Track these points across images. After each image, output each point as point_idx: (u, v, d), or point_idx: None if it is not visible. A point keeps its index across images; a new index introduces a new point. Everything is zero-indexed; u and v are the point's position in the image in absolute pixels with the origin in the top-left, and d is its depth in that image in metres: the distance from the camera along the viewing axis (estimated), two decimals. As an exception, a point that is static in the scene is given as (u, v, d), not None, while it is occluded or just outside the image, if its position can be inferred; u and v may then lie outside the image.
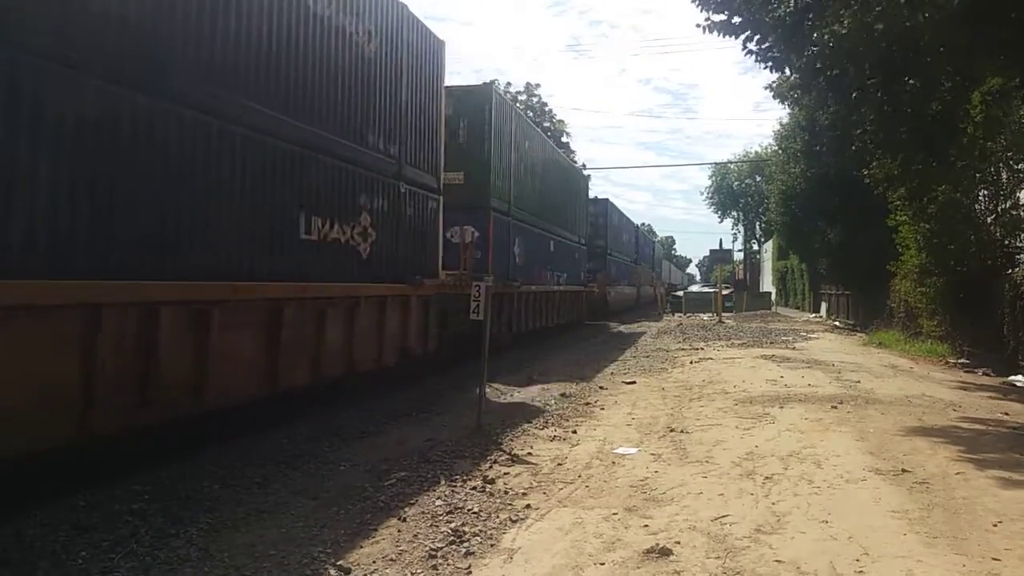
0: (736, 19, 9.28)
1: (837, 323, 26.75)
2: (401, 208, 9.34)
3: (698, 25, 9.59)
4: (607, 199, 30.63)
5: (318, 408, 7.84)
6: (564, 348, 16.91)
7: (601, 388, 10.40)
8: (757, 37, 9.35)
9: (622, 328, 24.82)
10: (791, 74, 10.31)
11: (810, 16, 8.77)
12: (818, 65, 9.26)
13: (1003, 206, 13.90)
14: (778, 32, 9.09)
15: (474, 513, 4.74)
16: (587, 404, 8.98)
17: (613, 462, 6.07)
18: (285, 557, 4.07)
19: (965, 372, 12.92)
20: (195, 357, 5.72)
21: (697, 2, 9.42)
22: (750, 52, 9.75)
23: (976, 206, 14.29)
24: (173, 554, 4.05)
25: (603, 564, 3.90)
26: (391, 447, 6.65)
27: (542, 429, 7.49)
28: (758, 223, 61.75)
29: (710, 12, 9.37)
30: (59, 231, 4.54)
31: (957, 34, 7.84)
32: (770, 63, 9.82)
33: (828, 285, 30.80)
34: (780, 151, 29.63)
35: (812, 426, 7.45)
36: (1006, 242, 13.70)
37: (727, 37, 9.41)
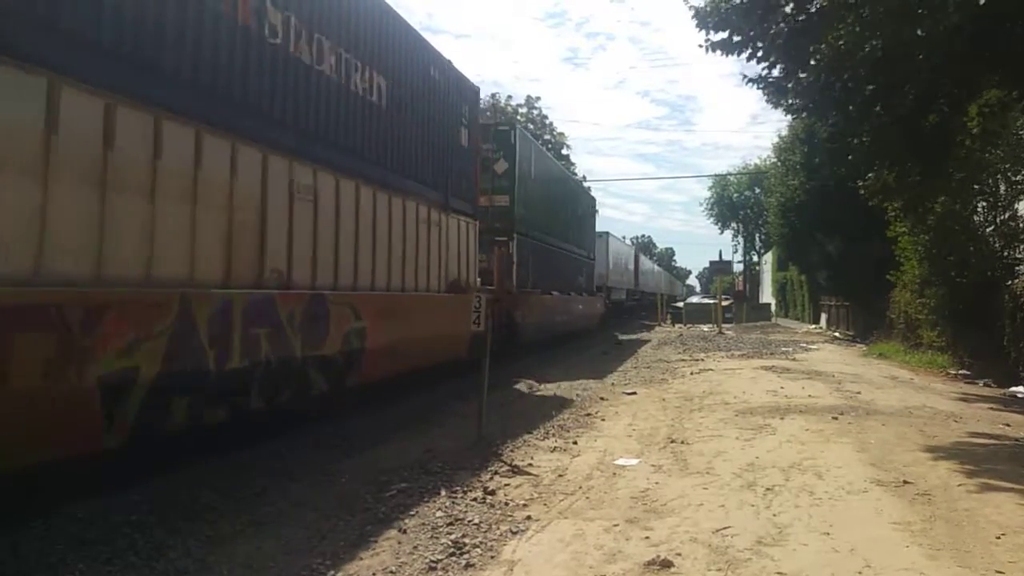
0: (736, 37, 9.37)
1: (837, 334, 26.73)
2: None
3: (699, 45, 9.69)
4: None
5: (316, 418, 7.82)
6: (564, 358, 16.89)
7: (602, 399, 10.38)
8: (759, 55, 9.42)
9: (622, 338, 24.79)
10: (791, 100, 10.37)
11: (808, 34, 8.83)
12: (820, 77, 9.30)
13: (1001, 217, 13.93)
14: (777, 44, 9.15)
15: (474, 524, 4.72)
16: (588, 415, 8.96)
17: (614, 473, 6.05)
18: (284, 569, 4.04)
19: (966, 383, 12.91)
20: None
21: (697, 21, 9.51)
22: (751, 81, 9.93)
23: (975, 217, 14.31)
24: (171, 566, 4.03)
25: (604, 576, 3.87)
26: (391, 458, 6.62)
27: (543, 440, 7.47)
28: (758, 235, 61.84)
29: (709, 31, 9.46)
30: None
31: (954, 48, 7.88)
32: (769, 86, 9.90)
33: (828, 296, 30.76)
34: (779, 163, 29.71)
35: (813, 437, 7.43)
36: (1005, 253, 13.72)
37: (728, 55, 9.51)
